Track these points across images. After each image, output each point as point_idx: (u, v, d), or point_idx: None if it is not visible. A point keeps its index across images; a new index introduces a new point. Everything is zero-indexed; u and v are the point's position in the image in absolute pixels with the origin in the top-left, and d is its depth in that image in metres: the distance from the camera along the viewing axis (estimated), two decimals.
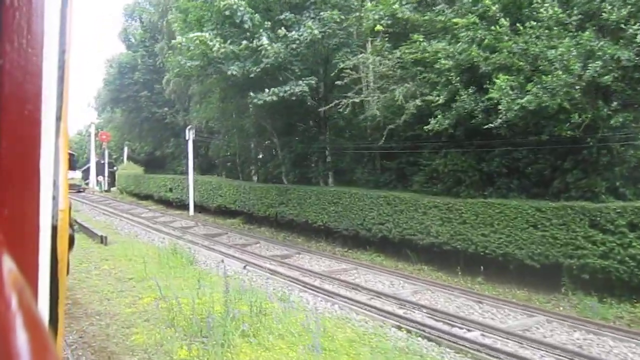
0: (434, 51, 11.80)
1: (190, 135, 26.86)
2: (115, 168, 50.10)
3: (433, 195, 13.81)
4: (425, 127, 12.26)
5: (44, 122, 0.64)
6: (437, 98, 11.84)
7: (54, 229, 0.70)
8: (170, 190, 29.89)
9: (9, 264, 0.46)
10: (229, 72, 15.81)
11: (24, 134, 0.60)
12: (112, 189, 49.11)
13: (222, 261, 13.65)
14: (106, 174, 48.57)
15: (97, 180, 50.00)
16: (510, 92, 10.23)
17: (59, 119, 0.70)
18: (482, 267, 12.05)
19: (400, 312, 9.41)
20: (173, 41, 17.59)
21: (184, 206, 28.95)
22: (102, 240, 16.64)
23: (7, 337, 0.37)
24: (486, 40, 10.85)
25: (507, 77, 10.30)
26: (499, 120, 10.53)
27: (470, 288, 11.60)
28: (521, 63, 10.43)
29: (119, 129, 37.19)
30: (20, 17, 0.57)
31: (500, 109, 10.40)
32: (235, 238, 18.65)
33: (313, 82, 15.24)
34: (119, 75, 30.58)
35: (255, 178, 27.43)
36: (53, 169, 0.68)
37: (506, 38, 10.50)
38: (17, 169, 0.58)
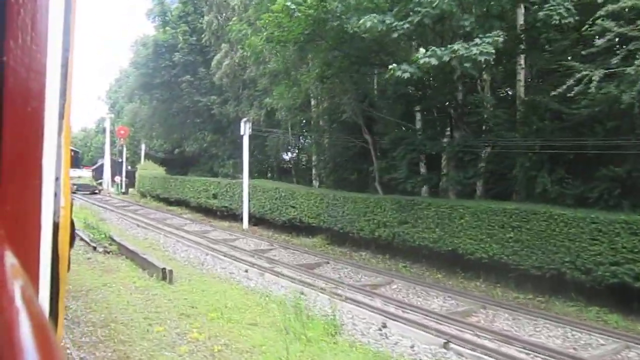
0: None
1: (246, 129, 21.53)
2: (134, 167, 44.68)
3: None
4: None
5: (47, 120, 0.64)
6: None
7: (56, 225, 0.71)
8: (215, 196, 24.52)
9: (11, 259, 0.46)
10: (361, 27, 10.43)
11: (27, 131, 0.59)
12: (129, 190, 43.75)
13: (384, 326, 8.27)
14: (123, 174, 43.15)
15: (114, 181, 44.57)
16: None
17: (61, 116, 0.71)
18: None
19: None
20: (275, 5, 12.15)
21: (232, 217, 23.59)
22: (165, 275, 11.27)
23: (11, 331, 0.38)
24: None
25: None
26: None
27: None
28: None
29: (145, 122, 31.77)
30: (24, 14, 0.56)
31: None
32: (349, 270, 13.16)
33: (499, 38, 9.77)
34: (153, 57, 25.24)
35: (321, 183, 22.23)
36: (55, 167, 0.69)
37: None
38: (19, 165, 0.58)
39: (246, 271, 12.48)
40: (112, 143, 65.80)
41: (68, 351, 5.82)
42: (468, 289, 11.26)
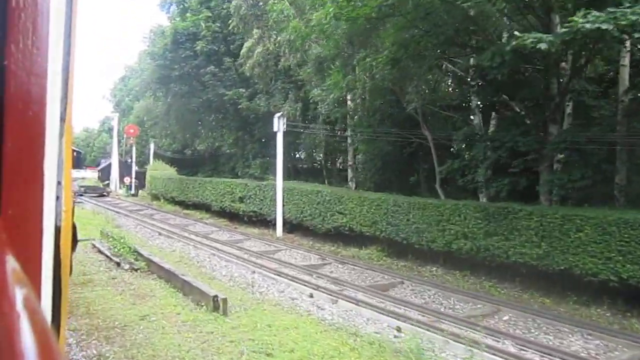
0: None
1: (280, 125, 19.23)
2: (143, 168, 42.36)
3: None
4: None
5: (48, 123, 0.64)
6: None
7: (58, 229, 0.71)
8: (241, 200, 22.20)
9: (12, 263, 0.46)
10: None
11: (29, 135, 0.60)
12: (139, 192, 41.46)
13: None
14: (133, 174, 40.83)
15: (122, 182, 42.27)
16: None
17: (63, 119, 0.71)
18: None
19: None
20: None
21: (261, 223, 21.31)
22: (217, 304, 8.99)
23: (12, 337, 0.37)
24: None
25: None
26: None
27: None
28: None
29: (160, 119, 29.41)
30: (25, 18, 0.56)
31: None
32: (434, 294, 10.72)
33: None
34: (172, 46, 22.87)
35: (358, 185, 19.93)
36: (57, 170, 0.68)
37: None
38: (21, 169, 0.58)
39: (311, 295, 10.18)
40: (118, 143, 63.62)
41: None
42: (604, 324, 8.92)
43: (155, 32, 25.96)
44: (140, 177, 41.93)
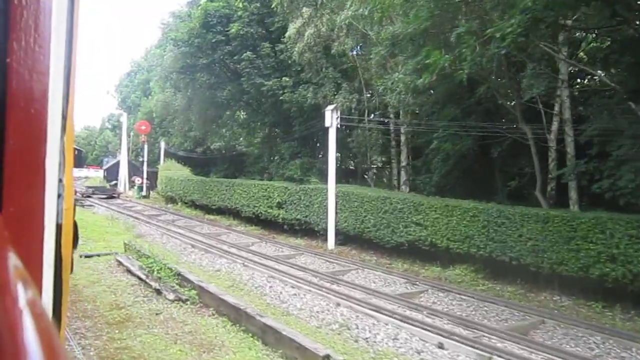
0: None
1: (333, 119, 16.48)
2: (154, 167, 39.50)
3: None
4: None
5: (50, 121, 0.63)
6: None
7: (59, 227, 0.70)
8: (280, 205, 19.44)
9: (14, 260, 0.46)
10: None
11: (30, 132, 0.59)
12: (150, 193, 38.65)
13: None
14: (145, 174, 37.99)
15: (133, 182, 39.42)
16: None
17: (64, 117, 0.70)
18: None
19: None
20: None
21: (305, 232, 18.56)
22: None
23: (15, 333, 0.37)
24: None
25: None
26: None
27: None
28: None
29: (180, 114, 26.56)
30: (27, 16, 0.56)
31: None
32: (601, 341, 7.92)
33: None
34: (201, 31, 20.02)
35: (413, 189, 17.19)
36: (58, 168, 0.68)
37: None
38: (23, 167, 0.58)
39: (440, 345, 7.42)
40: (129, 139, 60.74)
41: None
42: None
43: (179, 16, 23.11)
44: (151, 177, 39.14)
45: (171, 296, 9.39)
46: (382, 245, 14.88)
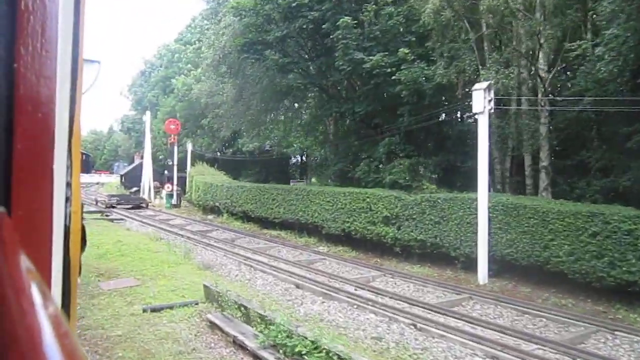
0: None
1: (485, 102, 11.66)
2: (184, 172, 34.71)
3: None
4: None
5: (57, 125, 0.64)
6: None
7: (67, 229, 0.69)
8: (388, 221, 14.61)
9: (27, 263, 0.46)
10: None
11: (38, 136, 0.59)
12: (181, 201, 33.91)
13: None
14: (175, 181, 33.19)
15: (160, 190, 34.66)
16: None
17: (72, 121, 0.70)
18: None
19: None
20: None
21: (429, 258, 13.74)
22: None
23: (34, 335, 0.37)
24: None
25: None
26: None
27: None
28: None
29: (229, 106, 21.72)
30: (34, 21, 0.56)
31: None
32: None
33: None
34: None
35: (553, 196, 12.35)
36: (66, 171, 0.68)
37: None
38: (31, 171, 0.58)
39: None
40: (139, 143, 55.99)
41: None
42: None
43: None
44: (181, 183, 34.40)
45: None
46: (580, 282, 10.08)
